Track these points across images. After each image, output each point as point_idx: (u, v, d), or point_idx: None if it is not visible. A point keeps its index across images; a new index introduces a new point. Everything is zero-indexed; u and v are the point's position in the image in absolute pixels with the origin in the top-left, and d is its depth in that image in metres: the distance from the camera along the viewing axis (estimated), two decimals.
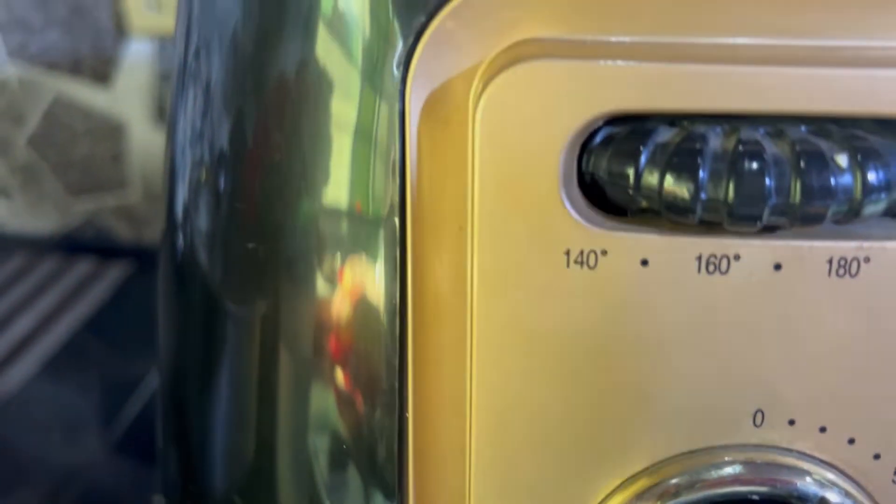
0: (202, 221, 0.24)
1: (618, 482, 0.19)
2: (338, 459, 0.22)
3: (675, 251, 0.17)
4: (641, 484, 0.19)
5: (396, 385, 0.20)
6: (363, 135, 0.19)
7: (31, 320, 0.63)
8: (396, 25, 0.18)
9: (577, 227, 0.17)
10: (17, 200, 0.75)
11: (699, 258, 0.17)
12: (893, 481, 0.19)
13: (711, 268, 0.17)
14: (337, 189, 0.20)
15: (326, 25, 0.19)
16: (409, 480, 0.20)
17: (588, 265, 0.18)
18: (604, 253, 0.18)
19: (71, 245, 0.74)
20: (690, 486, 0.18)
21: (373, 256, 0.20)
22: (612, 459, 0.19)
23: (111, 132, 0.71)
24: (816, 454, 0.19)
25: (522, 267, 0.18)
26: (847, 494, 0.18)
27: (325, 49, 0.19)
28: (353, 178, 0.20)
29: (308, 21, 0.20)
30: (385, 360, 0.20)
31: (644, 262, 0.18)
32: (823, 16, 0.17)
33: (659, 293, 0.18)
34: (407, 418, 0.20)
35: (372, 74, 0.19)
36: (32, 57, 0.70)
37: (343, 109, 0.20)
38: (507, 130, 0.17)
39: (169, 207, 0.25)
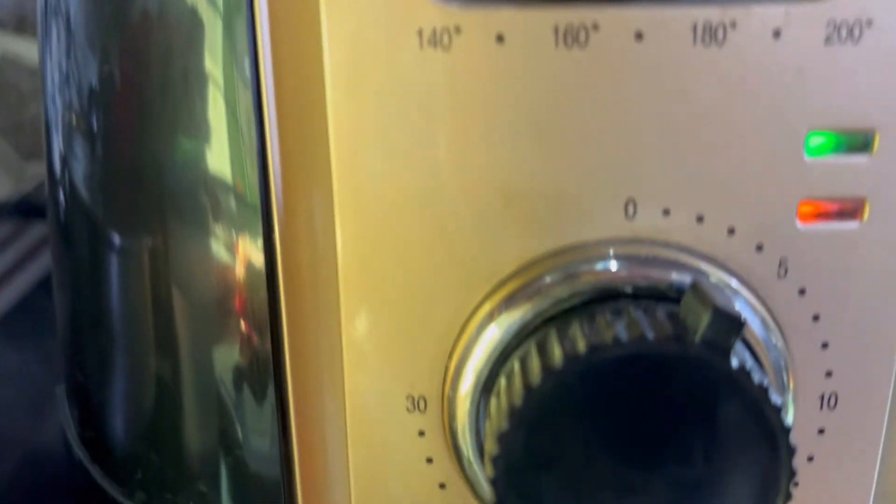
0: (78, 167, 0.23)
1: (489, 287, 0.18)
2: (223, 375, 0.21)
3: (530, 24, 0.16)
4: (511, 286, 0.18)
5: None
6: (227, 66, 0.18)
7: None
8: None
9: (428, 3, 0.16)
10: None
11: (556, 30, 0.16)
12: (779, 274, 0.18)
13: (570, 40, 0.16)
14: (206, 123, 0.19)
15: None
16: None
17: (442, 46, 0.17)
18: (457, 31, 0.17)
19: (25, 209, 0.72)
20: (559, 284, 0.17)
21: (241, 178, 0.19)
22: (482, 263, 0.18)
23: None
24: (695, 247, 0.18)
25: (375, 54, 0.17)
26: (728, 288, 0.17)
27: None
28: (221, 109, 0.19)
29: None
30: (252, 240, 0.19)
31: (500, 39, 0.17)
32: None
33: (517, 71, 0.17)
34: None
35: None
36: None
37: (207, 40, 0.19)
38: None
39: (48, 157, 0.24)
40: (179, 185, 0.20)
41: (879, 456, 0.20)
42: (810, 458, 0.19)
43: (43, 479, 0.43)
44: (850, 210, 0.18)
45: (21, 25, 0.68)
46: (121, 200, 0.22)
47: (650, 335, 0.15)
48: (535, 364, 0.16)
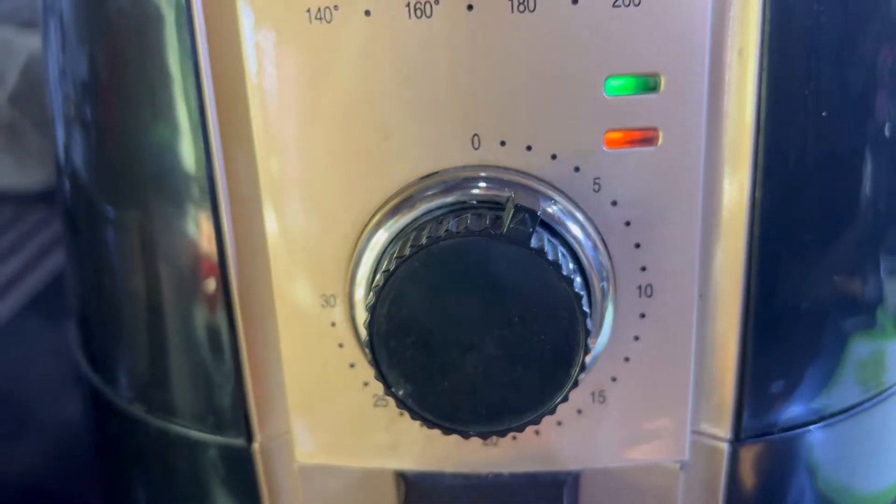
0: (74, 155, 0.28)
1: (376, 205, 0.23)
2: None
3: (389, 0, 0.22)
4: (395, 201, 0.23)
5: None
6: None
7: (19, 262, 0.69)
8: None
9: None
10: (3, 159, 0.79)
11: (408, 5, 0.22)
12: (594, 189, 0.23)
13: (419, 13, 0.22)
14: (163, 111, 0.24)
15: None
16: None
17: (325, 20, 0.22)
18: (335, 8, 0.22)
19: (55, 197, 0.79)
20: (426, 200, 0.23)
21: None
22: (369, 186, 0.23)
23: None
24: (527, 170, 0.23)
25: (277, 27, 0.22)
26: (549, 199, 0.23)
27: None
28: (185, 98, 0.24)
29: None
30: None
31: (367, 13, 0.22)
32: None
33: (382, 37, 0.22)
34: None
35: None
36: (4, 17, 0.75)
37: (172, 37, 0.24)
38: None
39: (55, 147, 0.30)
40: (146, 166, 0.26)
41: (693, 333, 0.25)
42: (636, 338, 0.24)
43: (73, 447, 0.49)
44: (646, 137, 0.23)
45: None
46: (103, 182, 0.27)
47: (473, 228, 0.21)
48: (394, 255, 0.21)
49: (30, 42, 0.75)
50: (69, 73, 0.27)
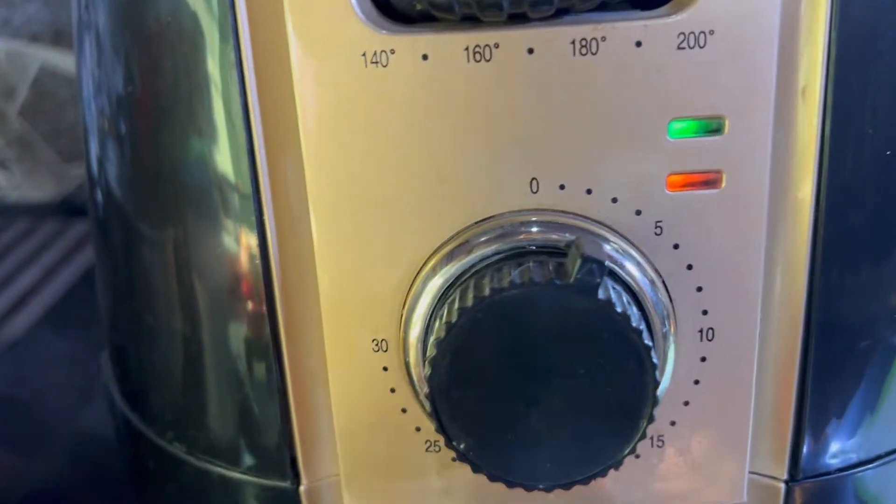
0: (110, 168, 0.28)
1: (431, 249, 0.23)
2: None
3: (447, 45, 0.21)
4: (451, 246, 0.23)
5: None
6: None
7: (34, 275, 0.68)
8: None
9: (369, 32, 0.21)
10: (15, 172, 0.79)
11: (467, 49, 0.21)
12: (655, 233, 0.22)
13: (478, 56, 0.21)
14: (206, 126, 0.24)
15: None
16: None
17: (381, 64, 0.22)
18: (392, 52, 0.21)
19: (68, 209, 0.79)
20: (482, 245, 0.22)
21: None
22: (425, 230, 0.23)
23: None
24: (586, 214, 0.22)
25: (331, 71, 0.22)
26: (609, 242, 0.22)
27: None
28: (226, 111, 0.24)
29: None
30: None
31: (425, 57, 0.21)
32: None
33: (439, 81, 0.21)
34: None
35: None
36: (16, 30, 0.74)
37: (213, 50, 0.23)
38: None
39: (87, 160, 0.30)
40: (189, 180, 0.25)
41: (754, 376, 0.24)
42: (696, 382, 0.24)
43: (90, 458, 0.48)
44: (709, 180, 0.22)
45: (57, 38, 0.74)
46: (144, 196, 0.27)
47: (537, 279, 0.20)
48: (455, 305, 0.21)
49: (40, 55, 0.74)
50: (104, 88, 0.27)
